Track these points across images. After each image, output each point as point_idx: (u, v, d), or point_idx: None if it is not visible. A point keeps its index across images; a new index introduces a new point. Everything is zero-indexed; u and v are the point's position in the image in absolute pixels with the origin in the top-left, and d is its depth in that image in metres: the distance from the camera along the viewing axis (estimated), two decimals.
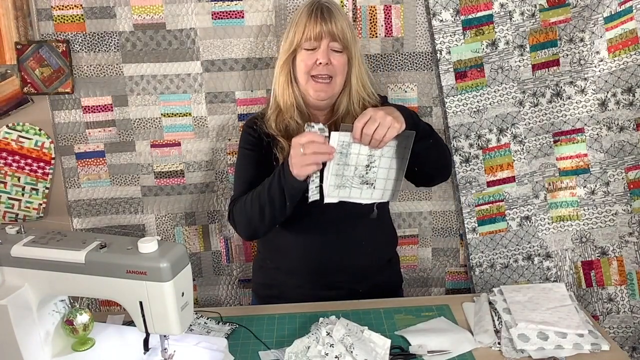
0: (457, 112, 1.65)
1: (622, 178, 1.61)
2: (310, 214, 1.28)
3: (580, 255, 1.68)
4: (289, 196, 1.25)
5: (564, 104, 1.62)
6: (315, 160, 1.18)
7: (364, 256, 1.43)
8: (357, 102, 1.40)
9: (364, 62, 1.44)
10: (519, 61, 1.61)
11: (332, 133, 1.20)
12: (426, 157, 1.33)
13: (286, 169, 1.23)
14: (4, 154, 1.62)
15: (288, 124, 1.40)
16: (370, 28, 1.63)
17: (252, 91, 1.66)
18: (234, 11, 1.60)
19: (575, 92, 1.60)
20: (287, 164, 1.22)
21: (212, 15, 1.59)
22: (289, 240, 1.40)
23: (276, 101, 1.43)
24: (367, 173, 1.25)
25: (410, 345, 1.19)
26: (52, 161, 1.65)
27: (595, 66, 1.57)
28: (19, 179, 1.64)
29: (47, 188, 1.67)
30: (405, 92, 1.68)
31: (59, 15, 1.56)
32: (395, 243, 1.59)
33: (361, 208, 1.30)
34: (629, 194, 1.62)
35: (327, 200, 1.25)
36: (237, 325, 1.29)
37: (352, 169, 1.23)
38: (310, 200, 1.23)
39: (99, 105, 1.64)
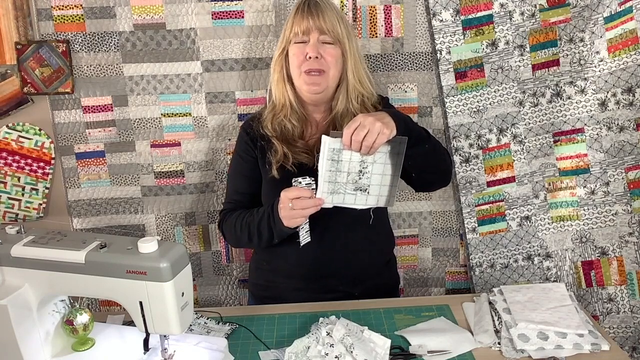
0: (457, 112, 1.65)
1: (622, 178, 1.61)
2: (311, 218, 1.28)
3: (580, 255, 1.68)
4: (278, 237, 1.32)
5: (564, 104, 1.62)
6: (303, 214, 1.24)
7: (360, 261, 1.43)
8: (355, 99, 1.39)
9: (363, 60, 1.43)
10: (519, 61, 1.61)
11: (323, 137, 1.20)
12: (423, 162, 1.33)
13: (276, 214, 1.27)
14: (4, 154, 1.62)
15: (284, 125, 1.39)
16: (370, 28, 1.63)
17: (252, 91, 1.66)
18: (233, 11, 1.60)
19: (575, 92, 1.60)
20: (277, 209, 1.27)
21: (212, 15, 1.59)
22: (285, 244, 1.39)
23: (272, 100, 1.43)
24: (360, 179, 1.25)
25: (410, 345, 1.19)
26: (52, 161, 1.65)
27: (595, 66, 1.57)
28: (19, 179, 1.64)
29: (47, 188, 1.67)
30: (405, 92, 1.68)
31: (59, 15, 1.56)
32: (393, 245, 1.58)
33: (358, 214, 1.30)
34: (629, 194, 1.62)
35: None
36: (237, 325, 1.29)
37: (345, 175, 1.23)
38: (302, 245, 1.29)
39: (99, 105, 1.64)
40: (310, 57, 1.32)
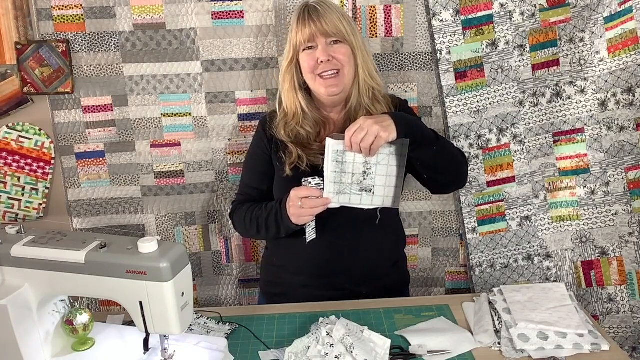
0: (457, 112, 1.65)
1: (622, 178, 1.61)
2: (317, 217, 1.29)
3: (580, 255, 1.68)
4: (285, 232, 1.35)
5: (564, 104, 1.62)
6: (311, 213, 1.27)
7: (367, 260, 1.43)
8: (366, 93, 1.40)
9: (370, 53, 1.43)
10: (519, 61, 1.61)
11: (327, 139, 1.24)
12: (432, 164, 1.34)
13: (284, 211, 1.30)
14: (4, 154, 1.62)
15: (297, 132, 1.40)
16: (370, 28, 1.63)
17: (252, 91, 1.66)
18: (234, 11, 1.60)
19: (575, 92, 1.60)
20: (285, 206, 1.29)
21: (212, 15, 1.59)
22: (296, 241, 1.40)
23: (283, 107, 1.43)
24: (364, 180, 1.27)
25: (410, 345, 1.19)
26: (52, 161, 1.65)
27: (595, 66, 1.57)
28: (19, 179, 1.64)
29: (47, 188, 1.67)
30: (405, 92, 1.68)
31: (59, 15, 1.56)
32: (403, 246, 1.59)
33: (366, 213, 1.32)
34: (629, 194, 1.62)
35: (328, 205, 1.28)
36: (237, 325, 1.29)
37: (350, 176, 1.26)
38: (307, 241, 1.31)
39: (99, 105, 1.64)
40: (322, 62, 1.32)
